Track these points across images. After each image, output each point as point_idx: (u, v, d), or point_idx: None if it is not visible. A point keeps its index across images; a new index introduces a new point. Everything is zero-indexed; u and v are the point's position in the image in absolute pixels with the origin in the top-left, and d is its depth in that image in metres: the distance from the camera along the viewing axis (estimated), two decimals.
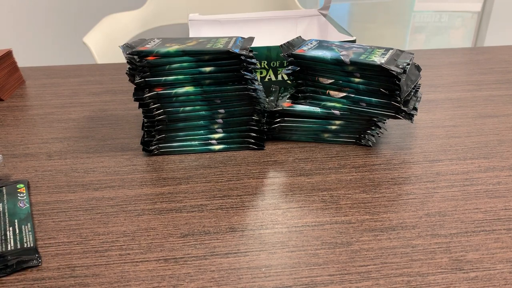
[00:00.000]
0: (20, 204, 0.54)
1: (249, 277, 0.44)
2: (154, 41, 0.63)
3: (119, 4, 1.81)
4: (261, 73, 0.73)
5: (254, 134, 0.65)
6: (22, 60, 1.03)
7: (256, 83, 0.62)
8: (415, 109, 0.62)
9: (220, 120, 0.64)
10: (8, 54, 0.87)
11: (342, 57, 0.61)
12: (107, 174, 0.61)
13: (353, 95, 0.63)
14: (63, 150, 0.67)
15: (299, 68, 0.64)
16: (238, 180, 0.59)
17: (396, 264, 0.45)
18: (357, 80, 0.61)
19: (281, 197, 0.56)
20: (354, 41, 0.73)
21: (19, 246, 0.47)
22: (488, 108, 0.77)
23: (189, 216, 0.53)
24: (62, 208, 0.54)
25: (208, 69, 0.60)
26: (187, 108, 0.62)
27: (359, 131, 0.65)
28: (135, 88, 0.61)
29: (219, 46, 0.60)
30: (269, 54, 0.72)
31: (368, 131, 0.65)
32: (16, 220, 0.51)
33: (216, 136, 0.65)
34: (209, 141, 0.65)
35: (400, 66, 0.59)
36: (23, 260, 0.46)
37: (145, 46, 0.61)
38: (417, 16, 2.27)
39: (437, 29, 2.31)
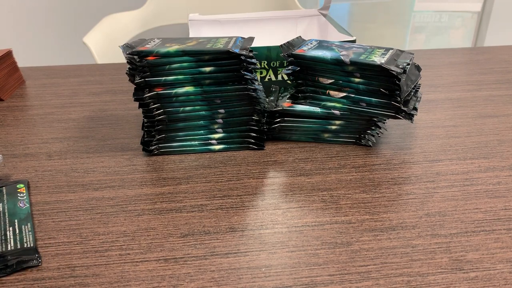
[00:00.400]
0: (20, 204, 0.54)
1: (249, 277, 0.44)
2: (154, 41, 0.63)
3: (119, 4, 1.81)
4: (261, 73, 0.73)
5: (254, 134, 0.65)
6: (22, 60, 1.03)
7: (256, 83, 0.62)
8: (415, 109, 0.62)
9: (220, 120, 0.64)
10: (8, 54, 0.87)
11: (342, 57, 0.61)
12: (107, 174, 0.61)
13: (353, 95, 0.63)
14: (63, 150, 0.67)
15: (299, 68, 0.64)
16: (238, 180, 0.59)
17: (396, 264, 0.45)
18: (357, 80, 0.61)
19: (281, 197, 0.56)
20: (354, 41, 0.73)
21: (19, 246, 0.47)
22: (488, 108, 0.77)
23: (189, 216, 0.53)
24: (62, 208, 0.54)
25: (208, 69, 0.60)
26: (187, 108, 0.62)
27: (359, 131, 0.65)
28: (135, 88, 0.61)
29: (219, 46, 0.60)
30: (269, 54, 0.72)
31: (368, 131, 0.65)
32: (16, 220, 0.51)
33: (216, 136, 0.65)
34: (209, 141, 0.65)
35: (400, 66, 0.59)
36: (23, 260, 0.46)
37: (145, 46, 0.61)
38: (417, 16, 2.27)
39: (437, 29, 2.31)
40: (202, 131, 0.64)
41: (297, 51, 0.63)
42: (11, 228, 0.50)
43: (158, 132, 0.63)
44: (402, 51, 0.64)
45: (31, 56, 1.84)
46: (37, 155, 0.66)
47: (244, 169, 0.61)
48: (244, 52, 0.59)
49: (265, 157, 0.64)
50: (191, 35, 0.82)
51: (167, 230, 0.51)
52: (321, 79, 0.64)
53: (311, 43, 0.67)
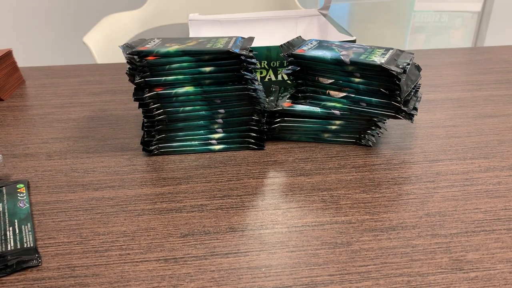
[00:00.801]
0: (20, 204, 0.54)
1: (249, 277, 0.44)
2: (154, 41, 0.63)
3: (119, 4, 1.81)
4: (261, 73, 0.73)
5: (254, 134, 0.65)
6: (22, 60, 1.03)
7: (256, 83, 0.62)
8: (415, 109, 0.62)
9: (220, 120, 0.64)
10: (8, 54, 0.87)
11: (342, 57, 0.61)
12: (107, 174, 0.61)
13: (353, 95, 0.63)
14: (63, 150, 0.67)
15: (299, 68, 0.64)
16: (238, 180, 0.59)
17: (396, 264, 0.45)
18: (357, 80, 0.61)
19: (281, 197, 0.56)
20: (354, 41, 0.73)
21: (19, 246, 0.47)
22: (488, 108, 0.77)
23: (189, 216, 0.53)
24: (62, 208, 0.54)
25: (208, 69, 0.60)
26: (187, 108, 0.62)
27: (359, 131, 0.65)
28: (135, 88, 0.61)
29: (219, 46, 0.60)
30: (269, 54, 0.72)
31: (368, 131, 0.65)
32: (16, 220, 0.51)
33: (216, 136, 0.65)
34: (209, 141, 0.65)
35: (400, 66, 0.59)
36: (23, 260, 0.46)
37: (145, 46, 0.61)
38: (417, 16, 2.27)
39: (437, 29, 2.31)
40: (202, 131, 0.64)
41: (297, 51, 0.63)
42: (11, 228, 0.50)
43: (158, 132, 0.63)
44: (402, 51, 0.64)
45: (31, 56, 1.84)
46: (37, 155, 0.66)
47: (244, 169, 0.61)
48: (244, 52, 0.59)
49: (265, 157, 0.64)
50: (191, 35, 0.82)
51: (167, 230, 0.51)
52: (321, 79, 0.64)
53: (311, 43, 0.67)
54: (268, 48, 0.71)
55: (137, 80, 0.60)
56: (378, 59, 0.60)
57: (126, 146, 0.67)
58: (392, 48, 0.65)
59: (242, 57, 0.59)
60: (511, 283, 0.43)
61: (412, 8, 2.26)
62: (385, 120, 0.65)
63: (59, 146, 0.68)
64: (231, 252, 0.47)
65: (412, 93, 0.64)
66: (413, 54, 0.64)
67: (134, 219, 0.52)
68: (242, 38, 0.65)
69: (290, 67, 0.64)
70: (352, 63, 0.60)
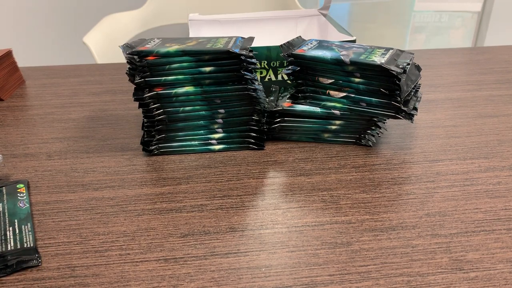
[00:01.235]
0: (20, 204, 0.54)
1: (249, 277, 0.44)
2: (154, 41, 0.63)
3: (119, 4, 1.81)
4: (261, 73, 0.73)
5: (254, 134, 0.65)
6: (22, 60, 1.03)
7: (256, 83, 0.62)
8: (415, 109, 0.62)
9: (220, 120, 0.64)
10: (8, 54, 0.87)
11: (342, 57, 0.61)
12: (107, 174, 0.61)
13: (353, 95, 0.63)
14: (63, 150, 0.67)
15: (299, 68, 0.64)
16: (238, 180, 0.59)
17: (396, 264, 0.45)
18: (357, 80, 0.61)
19: (281, 197, 0.56)
20: (354, 41, 0.73)
21: (19, 246, 0.47)
22: (488, 108, 0.77)
23: (189, 216, 0.53)
24: (62, 208, 0.54)
25: (208, 69, 0.60)
26: (187, 108, 0.62)
27: (359, 131, 0.65)
28: (135, 88, 0.61)
29: (219, 46, 0.60)
30: (269, 54, 0.72)
31: (368, 131, 0.65)
32: (16, 220, 0.51)
33: (216, 136, 0.65)
34: (209, 141, 0.65)
35: (400, 66, 0.59)
36: (23, 260, 0.46)
37: (145, 46, 0.61)
38: (417, 16, 2.27)
39: (437, 29, 2.31)
40: (202, 131, 0.64)
41: (297, 51, 0.63)
42: (11, 228, 0.50)
43: (158, 132, 0.63)
44: (402, 51, 0.64)
45: (31, 56, 1.83)
46: (37, 155, 0.66)
47: (244, 169, 0.61)
48: (244, 52, 0.59)
49: (265, 157, 0.64)
50: (191, 35, 0.82)
51: (167, 230, 0.51)
52: (321, 79, 0.64)
53: (311, 43, 0.67)
54: (268, 48, 0.71)
55: (137, 80, 0.60)
56: (378, 59, 0.60)
57: (126, 146, 0.67)
58: (392, 48, 0.65)
59: (242, 57, 0.59)
60: (511, 283, 0.43)
61: (412, 8, 2.26)
62: (385, 120, 0.65)
63: (59, 146, 0.68)
64: (231, 252, 0.47)
65: (412, 93, 0.64)
66: (413, 54, 0.64)
67: (134, 219, 0.52)
68: (242, 38, 0.65)
69: (290, 67, 0.64)
70: (352, 63, 0.60)
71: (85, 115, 0.77)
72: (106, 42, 1.20)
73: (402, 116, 0.61)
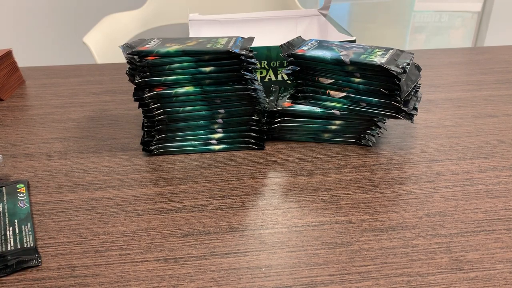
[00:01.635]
0: (20, 204, 0.54)
1: (249, 277, 0.44)
2: (154, 41, 0.63)
3: (119, 4, 1.81)
4: (261, 73, 0.73)
5: (254, 134, 0.65)
6: (22, 60, 1.03)
7: (256, 83, 0.62)
8: (415, 109, 0.62)
9: (220, 120, 0.64)
10: (8, 54, 0.87)
11: (342, 57, 0.61)
12: (107, 174, 0.61)
13: (353, 95, 0.63)
14: (63, 150, 0.67)
15: (299, 68, 0.64)
16: (238, 180, 0.59)
17: (396, 264, 0.45)
18: (357, 80, 0.61)
19: (281, 197, 0.56)
20: (354, 41, 0.73)
21: (19, 246, 0.47)
22: (488, 108, 0.77)
23: (189, 216, 0.53)
24: (62, 208, 0.54)
25: (208, 69, 0.60)
26: (187, 108, 0.62)
27: (359, 131, 0.65)
28: (135, 88, 0.61)
29: (219, 46, 0.60)
30: (269, 54, 0.72)
31: (368, 131, 0.65)
32: (16, 220, 0.51)
33: (216, 136, 0.65)
34: (209, 141, 0.65)
35: (400, 66, 0.59)
36: (23, 260, 0.46)
37: (145, 46, 0.61)
38: (417, 16, 2.27)
39: (437, 29, 2.31)
40: (202, 131, 0.64)
41: (297, 51, 0.63)
42: (11, 228, 0.50)
43: (158, 132, 0.63)
44: (402, 51, 0.64)
45: (31, 56, 1.83)
46: (37, 155, 0.66)
47: (244, 169, 0.61)
48: (244, 52, 0.59)
49: (265, 157, 0.64)
50: (191, 35, 0.82)
51: (167, 230, 0.51)
52: (321, 79, 0.64)
53: (311, 43, 0.67)
54: (268, 48, 0.71)
55: (137, 80, 0.60)
56: (378, 59, 0.60)
57: (126, 146, 0.67)
58: (392, 48, 0.65)
59: (242, 57, 0.59)
60: (511, 283, 0.43)
61: (412, 8, 2.26)
62: (385, 120, 0.65)
63: (59, 146, 0.68)
64: (231, 252, 0.47)
65: (412, 93, 0.64)
66: (413, 54, 0.64)
67: (134, 219, 0.52)
68: (242, 38, 0.65)
69: (290, 67, 0.64)
70: (352, 63, 0.60)
71: (85, 115, 0.77)
72: (106, 42, 1.20)
73: (402, 116, 0.61)
